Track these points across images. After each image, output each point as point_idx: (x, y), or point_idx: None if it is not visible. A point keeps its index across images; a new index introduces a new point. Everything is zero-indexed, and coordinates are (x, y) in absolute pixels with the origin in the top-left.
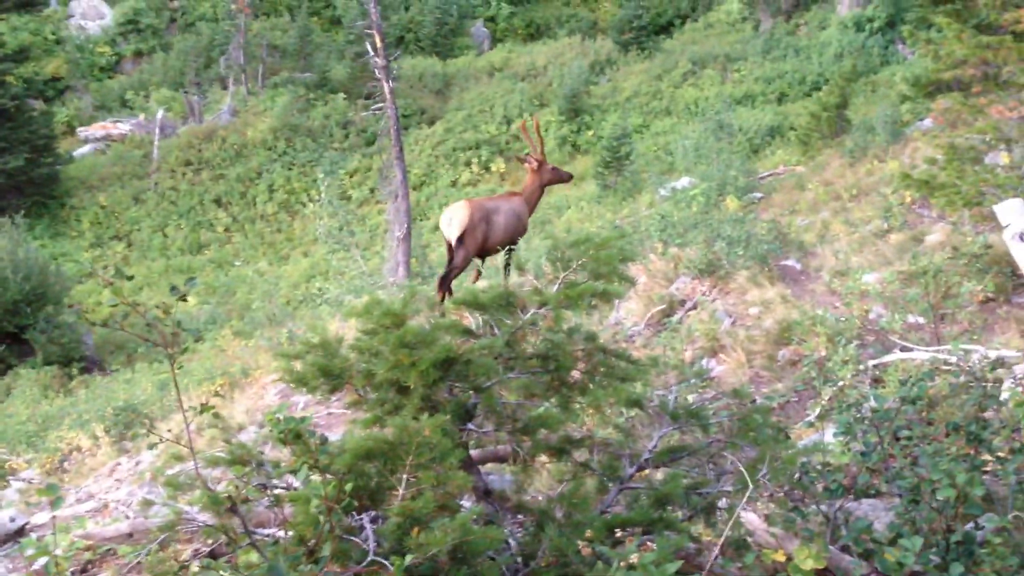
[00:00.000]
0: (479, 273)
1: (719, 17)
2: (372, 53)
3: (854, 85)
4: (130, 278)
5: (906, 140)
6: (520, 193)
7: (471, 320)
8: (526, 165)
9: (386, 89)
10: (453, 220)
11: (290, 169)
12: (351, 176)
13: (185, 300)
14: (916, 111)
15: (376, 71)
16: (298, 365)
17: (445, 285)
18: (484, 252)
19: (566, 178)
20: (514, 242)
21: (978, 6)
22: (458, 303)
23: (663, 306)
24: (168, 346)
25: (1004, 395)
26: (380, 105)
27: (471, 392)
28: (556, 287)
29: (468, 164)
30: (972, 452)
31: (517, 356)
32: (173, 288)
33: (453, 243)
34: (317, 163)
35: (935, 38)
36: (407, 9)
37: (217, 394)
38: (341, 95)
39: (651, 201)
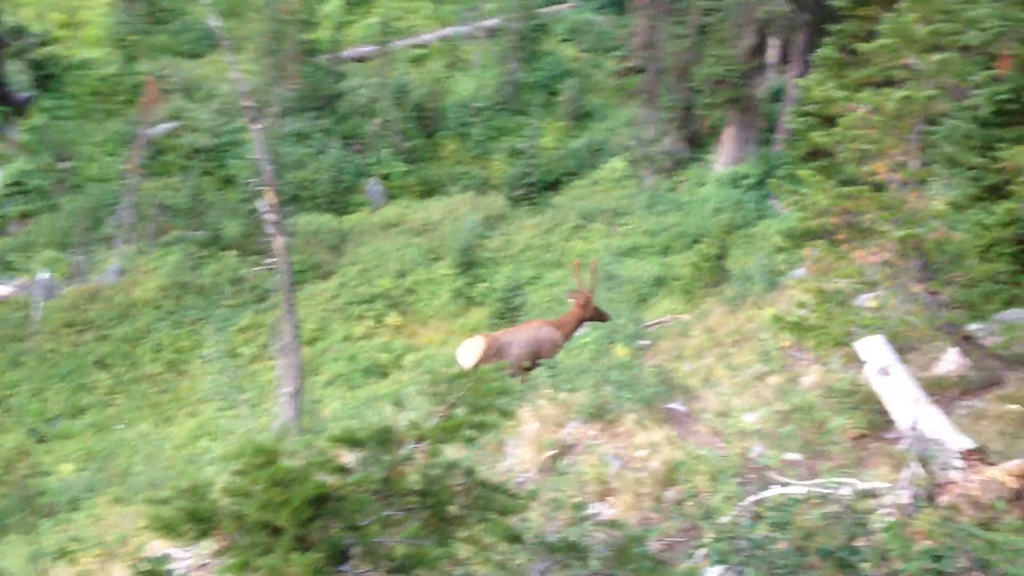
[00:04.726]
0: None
1: (605, 174)
2: (265, 210)
3: (732, 237)
4: None
5: (782, 288)
6: (553, 322)
7: (348, 458)
8: (571, 300)
9: (279, 245)
10: (469, 353)
11: (178, 328)
12: (242, 333)
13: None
14: (790, 261)
15: (269, 227)
16: (166, 511)
17: None
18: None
19: (606, 318)
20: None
21: (840, 162)
22: (333, 440)
23: (554, 451)
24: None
25: (876, 524)
26: (273, 261)
27: (346, 531)
28: (434, 421)
29: (362, 318)
30: None
31: (394, 492)
32: (31, 431)
33: None
34: (207, 321)
35: (800, 190)
36: (302, 168)
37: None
38: (233, 252)
39: None
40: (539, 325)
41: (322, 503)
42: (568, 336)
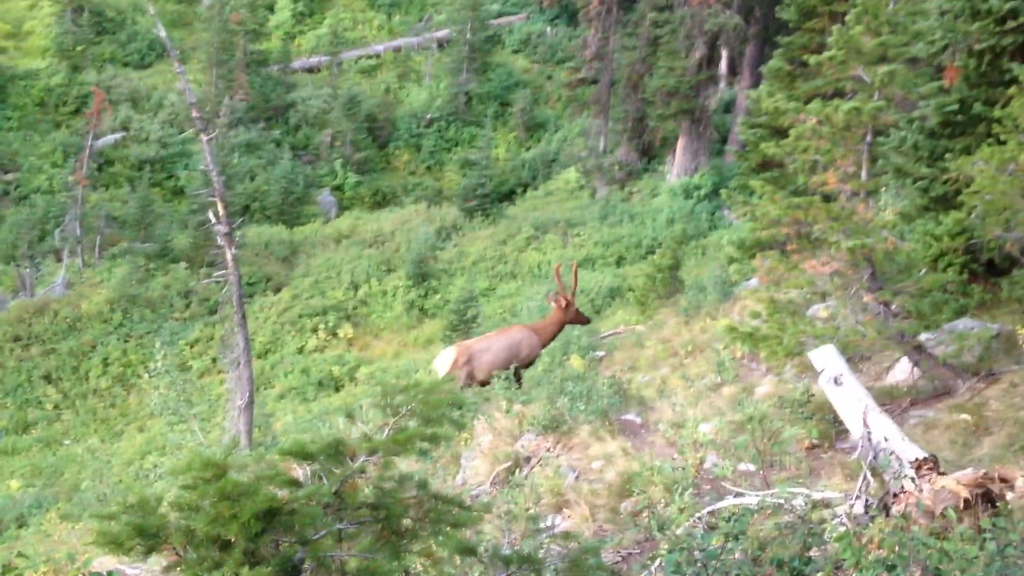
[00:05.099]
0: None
1: (558, 185)
2: (215, 221)
3: (685, 248)
4: None
5: (735, 298)
6: (531, 326)
7: (299, 471)
8: (552, 304)
9: (228, 257)
10: (441, 363)
11: (127, 341)
12: (192, 346)
13: None
14: (743, 271)
15: (219, 239)
16: (113, 526)
17: None
18: (485, 382)
19: (587, 320)
20: (518, 366)
21: (790, 173)
22: (284, 453)
23: (508, 463)
24: None
25: (830, 534)
26: (222, 273)
27: (297, 545)
28: (385, 433)
29: (315, 330)
30: None
31: (346, 506)
32: None
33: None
34: (156, 334)
35: (752, 201)
36: (253, 179)
37: None
38: (183, 264)
39: None
40: (517, 330)
41: (272, 517)
42: (548, 340)
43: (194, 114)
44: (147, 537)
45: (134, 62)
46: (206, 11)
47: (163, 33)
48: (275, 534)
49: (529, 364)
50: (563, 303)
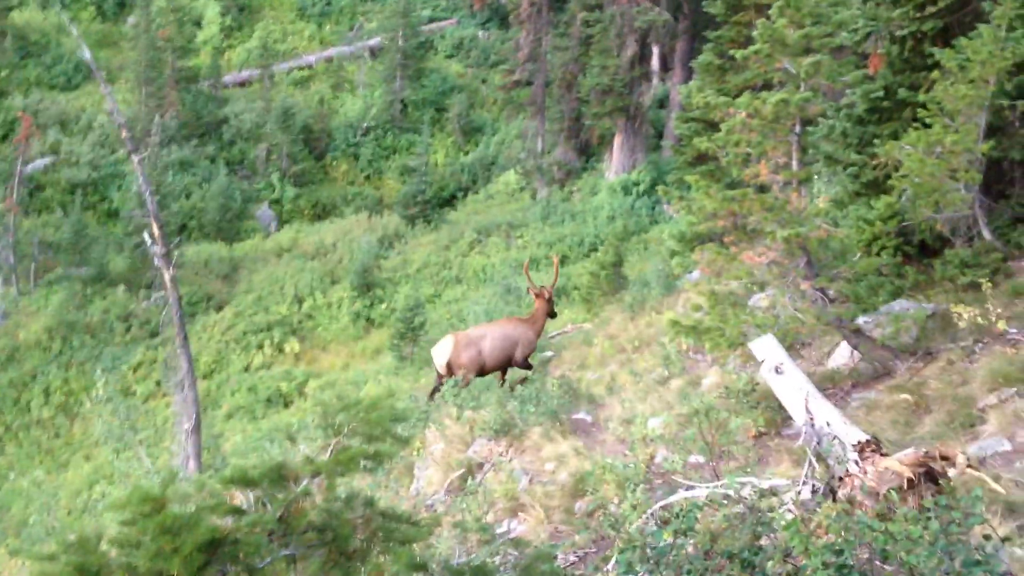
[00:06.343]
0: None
1: (498, 188)
2: (151, 242)
3: (627, 244)
4: None
5: (679, 292)
6: (524, 319)
7: (242, 499)
8: (535, 296)
9: (167, 277)
10: (440, 352)
11: (67, 369)
12: (135, 371)
13: None
14: (685, 264)
15: (156, 260)
16: (52, 567)
17: (430, 397)
18: (483, 372)
19: (554, 315)
20: (515, 359)
21: (725, 166)
22: (225, 481)
23: (462, 471)
24: None
25: (779, 522)
26: (162, 294)
27: (244, 574)
28: (328, 454)
29: (260, 347)
30: None
31: (292, 530)
32: None
33: (442, 371)
34: (97, 360)
35: (687, 196)
36: (188, 197)
37: None
38: (121, 287)
39: None
40: (515, 323)
41: (216, 548)
42: (540, 331)
43: (124, 134)
44: None
45: (61, 84)
46: (132, 30)
47: (88, 54)
48: (220, 565)
49: (528, 355)
50: (545, 295)
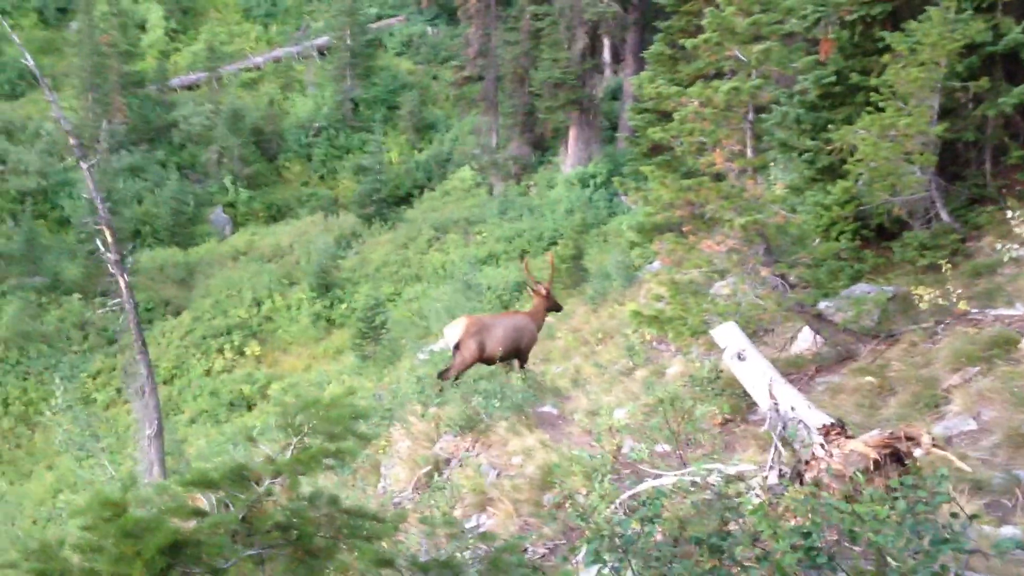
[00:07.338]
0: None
1: (454, 184)
2: (104, 250)
3: (587, 236)
4: None
5: (640, 283)
6: (528, 313)
7: (204, 501)
8: (534, 291)
9: (122, 284)
10: (453, 330)
11: (25, 379)
12: (94, 378)
13: None
14: (645, 255)
15: (110, 267)
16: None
17: (442, 378)
18: (486, 359)
19: (559, 308)
20: (520, 351)
21: (680, 155)
22: (186, 484)
23: (428, 467)
24: None
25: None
26: (117, 301)
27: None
28: (289, 453)
29: (220, 351)
30: (717, 564)
31: (255, 531)
32: None
33: (452, 349)
34: (55, 369)
35: (644, 187)
36: (140, 202)
37: None
38: (76, 296)
39: (411, 366)
40: (521, 316)
41: (178, 550)
42: (540, 326)
43: (72, 142)
44: None
45: (5, 93)
46: (75, 35)
47: (31, 62)
48: (183, 567)
49: (530, 348)
50: (543, 292)
